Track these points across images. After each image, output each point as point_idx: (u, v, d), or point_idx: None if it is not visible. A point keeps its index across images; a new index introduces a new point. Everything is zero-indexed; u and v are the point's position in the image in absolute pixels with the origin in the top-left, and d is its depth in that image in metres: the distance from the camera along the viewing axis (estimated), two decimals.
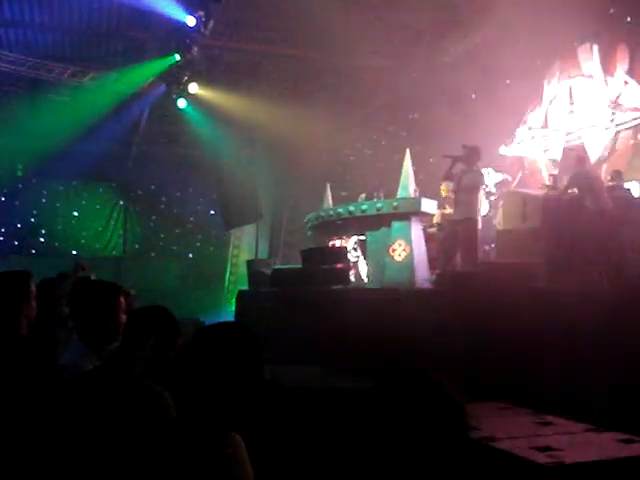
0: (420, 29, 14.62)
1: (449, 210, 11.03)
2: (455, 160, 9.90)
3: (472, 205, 9.61)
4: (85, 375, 2.72)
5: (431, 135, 15.73)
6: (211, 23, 13.37)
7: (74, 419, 2.50)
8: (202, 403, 2.06)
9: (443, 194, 11.57)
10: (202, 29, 13.22)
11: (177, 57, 14.18)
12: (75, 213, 19.69)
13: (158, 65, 14.85)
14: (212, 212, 20.65)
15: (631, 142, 13.07)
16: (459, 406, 1.48)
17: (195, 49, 14.01)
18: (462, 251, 9.62)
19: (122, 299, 3.18)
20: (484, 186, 11.63)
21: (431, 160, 14.98)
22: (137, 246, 20.51)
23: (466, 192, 9.58)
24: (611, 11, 12.73)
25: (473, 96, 15.46)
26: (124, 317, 3.13)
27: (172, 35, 13.76)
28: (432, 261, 10.63)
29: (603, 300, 5.47)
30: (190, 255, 20.79)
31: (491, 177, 13.04)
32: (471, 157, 9.73)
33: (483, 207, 11.98)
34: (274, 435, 4.99)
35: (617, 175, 10.93)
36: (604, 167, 12.94)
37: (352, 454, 4.67)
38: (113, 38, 14.78)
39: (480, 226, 10.25)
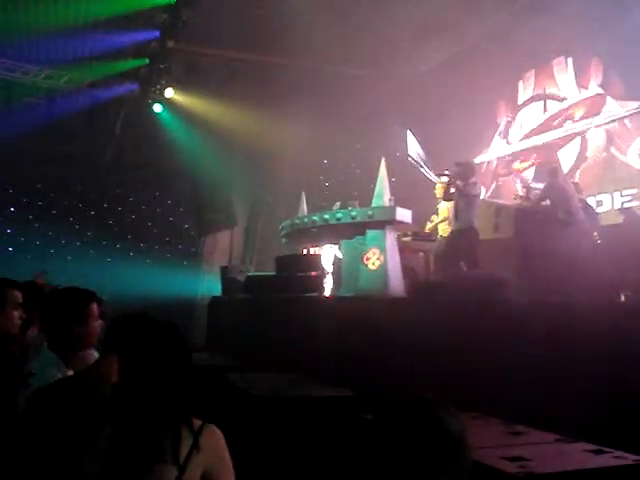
0: (399, 38, 14.70)
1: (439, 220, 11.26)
2: (452, 179, 10.07)
3: (472, 215, 9.75)
4: (57, 384, 2.66)
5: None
6: (186, 30, 13.53)
7: (44, 428, 2.46)
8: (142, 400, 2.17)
9: (437, 195, 11.68)
10: (172, 36, 13.56)
11: (147, 60, 14.49)
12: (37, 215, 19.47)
13: (130, 64, 15.07)
14: (186, 218, 20.52)
15: (603, 154, 13.24)
16: (456, 442, 1.44)
17: (167, 56, 14.31)
18: (465, 258, 9.71)
19: (94, 306, 3.13)
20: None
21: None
22: (107, 250, 20.24)
23: (465, 204, 9.71)
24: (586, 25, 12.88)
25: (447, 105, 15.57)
26: (97, 324, 3.09)
27: (144, 41, 14.08)
28: (405, 270, 10.66)
29: (573, 313, 5.51)
30: (163, 260, 20.60)
31: None
32: (466, 172, 9.89)
33: None
34: (247, 444, 4.96)
35: (576, 187, 11.07)
36: (577, 179, 13.08)
37: (325, 462, 4.66)
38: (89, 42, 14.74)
39: None
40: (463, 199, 9.82)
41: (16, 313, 3.47)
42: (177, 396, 2.20)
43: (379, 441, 1.43)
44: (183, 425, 2.16)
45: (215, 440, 2.22)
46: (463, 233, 9.73)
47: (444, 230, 11.24)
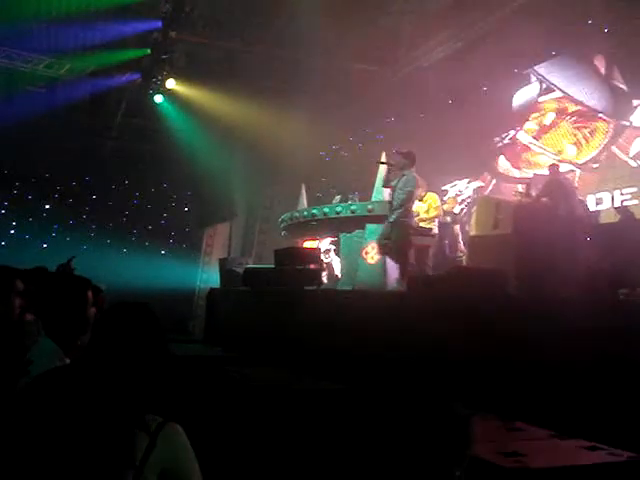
0: (401, 33, 14.70)
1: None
2: (389, 166, 9.88)
3: (405, 209, 9.43)
4: (58, 371, 2.65)
5: (409, 139, 15.80)
6: (188, 20, 13.58)
7: (44, 417, 2.45)
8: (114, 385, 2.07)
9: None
10: (174, 27, 13.63)
11: (149, 51, 14.70)
12: (47, 206, 19.42)
13: (131, 54, 15.11)
14: (186, 210, 20.54)
15: (604, 154, 13.23)
16: (464, 424, 1.45)
17: (169, 46, 14.35)
18: (396, 254, 9.48)
19: (90, 293, 3.15)
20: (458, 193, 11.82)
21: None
22: (108, 241, 20.23)
23: (399, 196, 9.43)
24: (589, 21, 12.85)
25: (450, 101, 15.55)
26: (92, 311, 3.10)
27: (146, 31, 14.17)
28: None
29: (572, 309, 5.52)
30: (162, 252, 20.61)
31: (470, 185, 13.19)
32: (405, 162, 9.59)
33: (455, 208, 12.19)
34: (242, 433, 4.97)
35: None
36: (577, 176, 13.09)
37: (322, 454, 4.67)
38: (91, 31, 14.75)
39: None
40: (398, 192, 9.50)
41: (17, 301, 3.49)
42: (130, 390, 2.05)
43: (386, 428, 1.43)
44: (140, 423, 2.01)
45: (174, 438, 2.06)
46: (395, 228, 9.48)
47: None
